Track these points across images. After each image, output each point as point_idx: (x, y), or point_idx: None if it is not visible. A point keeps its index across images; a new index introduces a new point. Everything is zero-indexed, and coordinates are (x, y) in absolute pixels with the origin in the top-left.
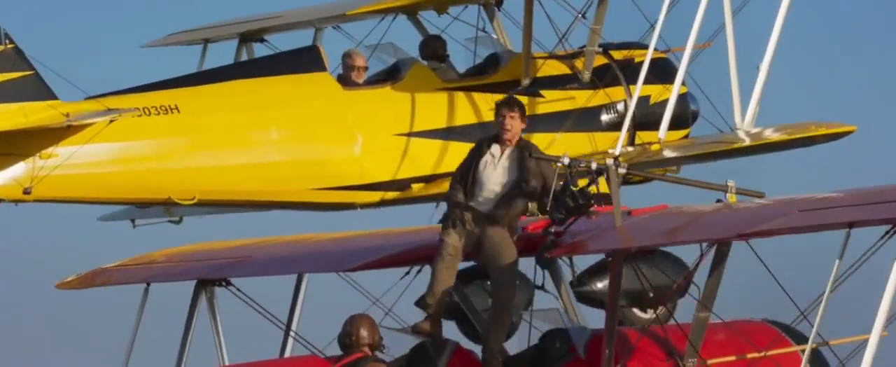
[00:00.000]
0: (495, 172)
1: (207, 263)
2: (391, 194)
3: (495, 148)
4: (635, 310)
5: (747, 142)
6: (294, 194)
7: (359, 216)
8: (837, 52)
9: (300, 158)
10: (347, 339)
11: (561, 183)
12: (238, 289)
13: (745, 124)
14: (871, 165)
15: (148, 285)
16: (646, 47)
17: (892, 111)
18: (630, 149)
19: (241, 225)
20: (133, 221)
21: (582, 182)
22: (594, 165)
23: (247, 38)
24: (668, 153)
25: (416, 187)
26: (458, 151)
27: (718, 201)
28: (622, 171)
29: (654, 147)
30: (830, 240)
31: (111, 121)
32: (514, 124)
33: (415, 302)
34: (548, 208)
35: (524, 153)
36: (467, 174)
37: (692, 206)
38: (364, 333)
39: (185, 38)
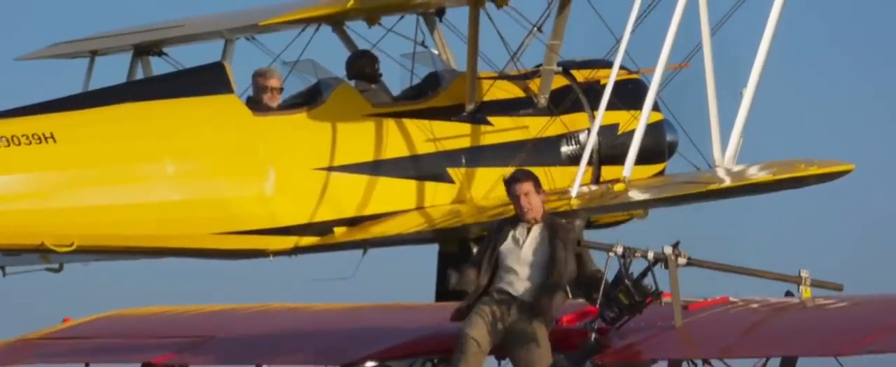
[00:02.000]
0: (523, 256)
1: (157, 341)
2: (308, 240)
3: (520, 229)
4: None
5: (727, 183)
6: (193, 240)
7: (273, 268)
8: (837, 73)
9: (200, 196)
10: None
11: (613, 275)
12: None
13: (726, 161)
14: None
15: (87, 365)
16: (612, 66)
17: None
18: (591, 188)
19: (133, 273)
20: (2, 269)
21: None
22: (651, 255)
23: (142, 50)
24: (634, 195)
25: (338, 231)
26: (389, 189)
27: (788, 293)
28: (683, 261)
29: (618, 187)
30: None
31: None
32: (533, 201)
33: None
34: (597, 305)
35: (557, 232)
36: (487, 259)
37: (761, 300)
38: None
39: (69, 49)
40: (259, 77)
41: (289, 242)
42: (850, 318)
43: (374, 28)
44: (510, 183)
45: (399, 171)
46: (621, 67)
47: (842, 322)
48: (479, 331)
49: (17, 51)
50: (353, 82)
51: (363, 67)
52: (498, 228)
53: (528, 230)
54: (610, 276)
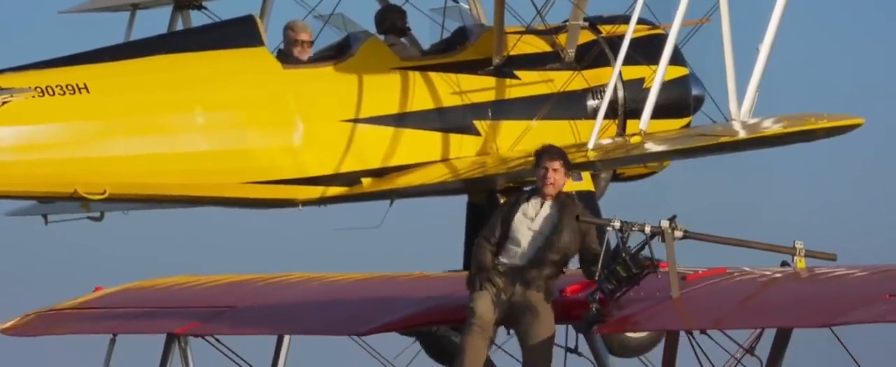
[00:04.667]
0: (532, 229)
1: (182, 311)
2: (336, 190)
3: (533, 203)
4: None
5: (742, 135)
6: (222, 189)
7: (302, 216)
8: (852, 31)
9: (229, 147)
10: None
11: (612, 249)
12: (217, 339)
13: (742, 114)
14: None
15: (114, 336)
16: (640, 22)
17: None
18: (607, 142)
19: (172, 222)
20: (45, 217)
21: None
22: (648, 229)
23: (182, 4)
24: (650, 147)
25: (365, 181)
26: (415, 141)
27: (784, 263)
28: (679, 235)
29: (635, 140)
30: None
31: (2, 103)
32: (558, 178)
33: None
34: (596, 277)
35: (566, 210)
36: (497, 231)
37: (756, 271)
38: None
39: (110, 2)
40: (289, 30)
41: (317, 192)
42: (843, 288)
43: None
44: (542, 155)
45: (426, 123)
46: (646, 22)
47: (835, 293)
48: (484, 304)
49: (60, 4)
50: (383, 37)
51: (393, 20)
52: (513, 201)
53: (541, 205)
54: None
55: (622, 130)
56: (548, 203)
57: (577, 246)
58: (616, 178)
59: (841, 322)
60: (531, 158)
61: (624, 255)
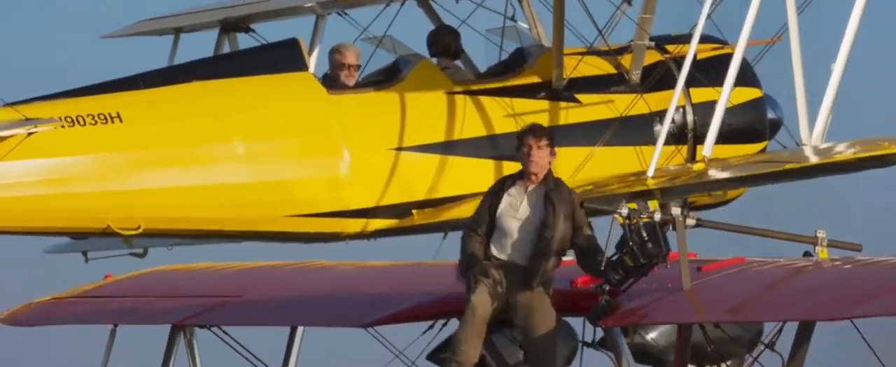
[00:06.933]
0: (521, 217)
1: (187, 301)
2: (385, 223)
3: (518, 186)
4: None
5: (813, 161)
6: (265, 223)
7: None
8: None
9: (271, 178)
10: None
11: (618, 238)
12: (224, 331)
13: (814, 139)
14: None
15: (115, 326)
16: (710, 41)
17: None
18: (670, 169)
19: (222, 250)
20: (85, 254)
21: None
22: (658, 216)
23: (229, 26)
24: (713, 174)
25: (416, 214)
26: (469, 170)
27: (806, 253)
28: (691, 222)
29: (698, 166)
30: None
31: (28, 134)
32: (542, 156)
33: (428, 356)
34: (602, 268)
35: (555, 194)
36: (485, 221)
37: (775, 261)
38: None
39: (153, 26)
40: (335, 53)
41: (366, 225)
42: (861, 281)
43: (462, 3)
44: (526, 133)
45: (479, 151)
46: (715, 41)
47: (851, 286)
48: (481, 297)
49: (102, 28)
50: (435, 59)
51: (447, 42)
52: (497, 188)
53: (526, 190)
54: (617, 237)
55: (691, 157)
56: (533, 187)
57: (566, 233)
58: (684, 205)
59: (860, 315)
60: (588, 188)
61: (631, 244)
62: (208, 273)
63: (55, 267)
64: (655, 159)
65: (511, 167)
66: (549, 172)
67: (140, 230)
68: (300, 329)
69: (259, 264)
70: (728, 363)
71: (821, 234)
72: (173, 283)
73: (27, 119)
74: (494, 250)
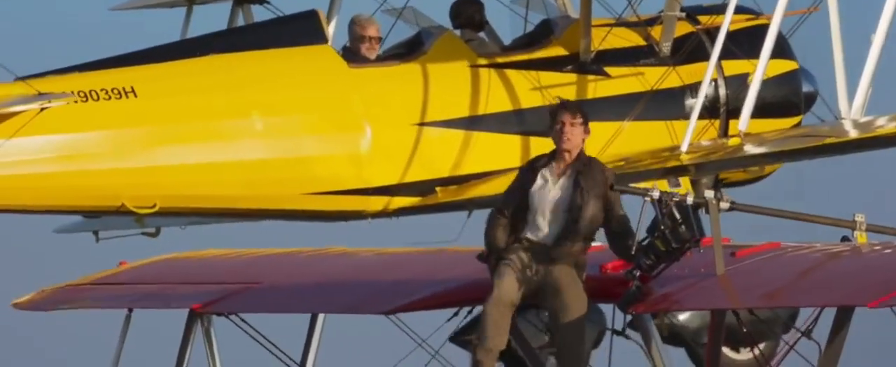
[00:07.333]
0: (553, 197)
1: (204, 288)
2: (409, 201)
3: (551, 169)
4: (726, 350)
5: (853, 135)
6: (284, 201)
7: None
8: None
9: (290, 154)
10: None
11: (650, 222)
12: (242, 319)
13: (853, 113)
14: None
15: (130, 311)
16: (743, 11)
17: None
18: (704, 144)
19: (238, 236)
20: (96, 233)
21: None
22: (690, 200)
23: None
24: (750, 149)
25: (440, 191)
26: (494, 145)
27: (844, 238)
28: (725, 206)
29: (733, 141)
30: None
31: (41, 109)
32: (575, 134)
33: (450, 337)
34: (632, 252)
35: (589, 173)
36: (514, 202)
37: (811, 246)
38: None
39: None
40: (355, 25)
41: (388, 203)
42: None
43: None
44: (560, 109)
45: (505, 126)
46: (749, 12)
47: (889, 271)
48: (508, 282)
49: (111, 0)
50: (458, 32)
51: (470, 14)
52: (529, 167)
53: (558, 170)
54: (648, 221)
55: (724, 131)
56: (566, 166)
57: (597, 214)
58: (717, 182)
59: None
60: (620, 164)
61: (662, 228)
62: (226, 260)
63: (66, 250)
64: (689, 134)
65: (538, 143)
66: (582, 150)
67: (155, 209)
68: (321, 317)
69: (277, 250)
70: (761, 345)
71: (859, 218)
72: (190, 270)
73: (40, 94)
74: (526, 232)
